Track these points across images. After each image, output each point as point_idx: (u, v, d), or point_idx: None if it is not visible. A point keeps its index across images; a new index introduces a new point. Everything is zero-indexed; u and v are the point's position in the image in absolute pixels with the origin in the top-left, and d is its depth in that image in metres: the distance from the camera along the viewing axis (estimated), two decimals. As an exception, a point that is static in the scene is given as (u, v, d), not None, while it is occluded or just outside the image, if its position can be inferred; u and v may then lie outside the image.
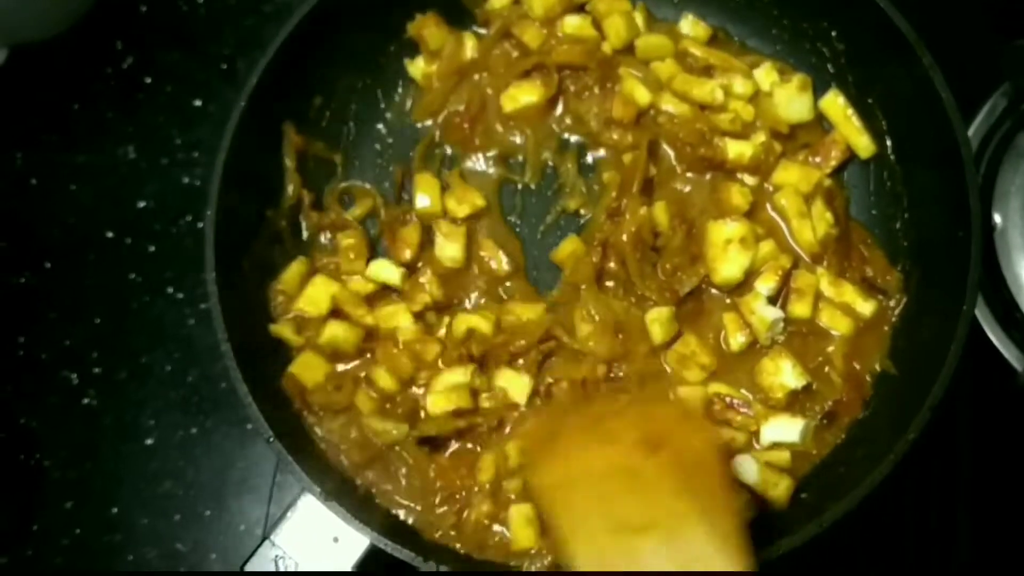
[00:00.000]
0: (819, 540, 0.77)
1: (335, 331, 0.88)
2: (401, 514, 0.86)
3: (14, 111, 1.12)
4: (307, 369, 0.88)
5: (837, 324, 0.89)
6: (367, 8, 0.96)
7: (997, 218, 0.94)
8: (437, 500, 0.86)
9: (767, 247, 0.90)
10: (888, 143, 0.93)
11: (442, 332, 0.91)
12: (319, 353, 0.89)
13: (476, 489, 0.86)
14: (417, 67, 1.00)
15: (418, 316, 0.91)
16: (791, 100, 0.94)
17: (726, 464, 0.69)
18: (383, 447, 0.87)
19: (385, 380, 0.87)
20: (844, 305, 0.89)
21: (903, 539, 0.95)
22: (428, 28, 0.98)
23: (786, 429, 0.85)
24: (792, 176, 0.92)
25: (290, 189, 0.94)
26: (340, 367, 0.90)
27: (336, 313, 0.90)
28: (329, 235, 0.96)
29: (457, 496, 0.86)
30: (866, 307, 0.89)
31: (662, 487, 0.65)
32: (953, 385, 0.79)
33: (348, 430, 0.87)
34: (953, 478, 0.95)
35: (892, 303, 0.90)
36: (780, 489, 0.83)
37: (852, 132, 0.94)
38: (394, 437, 0.86)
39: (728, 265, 0.88)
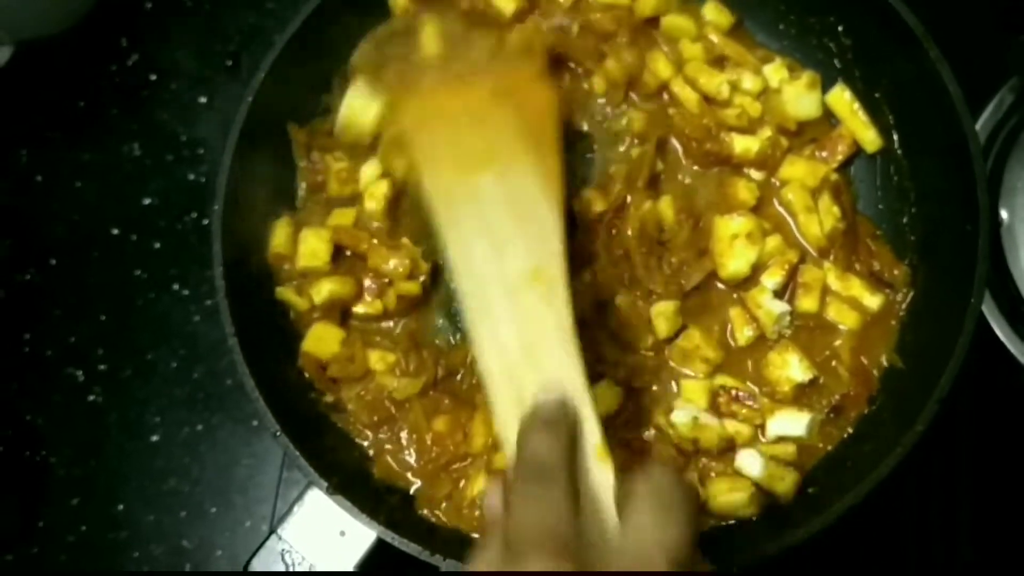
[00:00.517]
0: (821, 536, 0.76)
1: (330, 287, 0.88)
2: (404, 484, 0.87)
3: (18, 108, 1.12)
4: (320, 342, 0.89)
5: (844, 318, 0.89)
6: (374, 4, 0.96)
7: (1004, 214, 0.94)
8: (431, 469, 0.87)
9: (774, 242, 0.90)
10: (895, 137, 0.92)
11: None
12: (328, 319, 0.89)
13: (471, 459, 0.87)
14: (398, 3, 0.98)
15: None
16: (800, 97, 0.93)
17: (561, 119, 0.79)
18: (393, 408, 0.88)
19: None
20: (851, 299, 0.89)
21: (905, 536, 0.94)
22: None
23: (792, 423, 0.85)
24: (799, 171, 0.92)
25: (303, 187, 0.94)
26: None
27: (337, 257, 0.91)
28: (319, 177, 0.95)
29: (454, 466, 0.87)
30: (873, 301, 0.89)
31: (505, 128, 0.76)
32: (959, 380, 0.78)
33: (363, 395, 0.89)
34: (956, 474, 0.95)
35: (899, 297, 0.90)
36: (786, 483, 0.83)
37: (859, 127, 0.93)
38: (408, 391, 0.87)
39: (735, 260, 0.88)
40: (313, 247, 0.90)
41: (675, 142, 0.94)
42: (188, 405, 1.03)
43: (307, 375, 0.89)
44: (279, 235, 0.91)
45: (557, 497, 0.53)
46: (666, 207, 0.91)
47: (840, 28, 0.94)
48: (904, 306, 0.89)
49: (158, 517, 1.00)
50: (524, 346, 0.63)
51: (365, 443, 0.89)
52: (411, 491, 0.87)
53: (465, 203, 0.71)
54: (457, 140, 0.76)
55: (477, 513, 0.85)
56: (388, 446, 0.88)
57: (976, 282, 0.80)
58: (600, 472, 0.57)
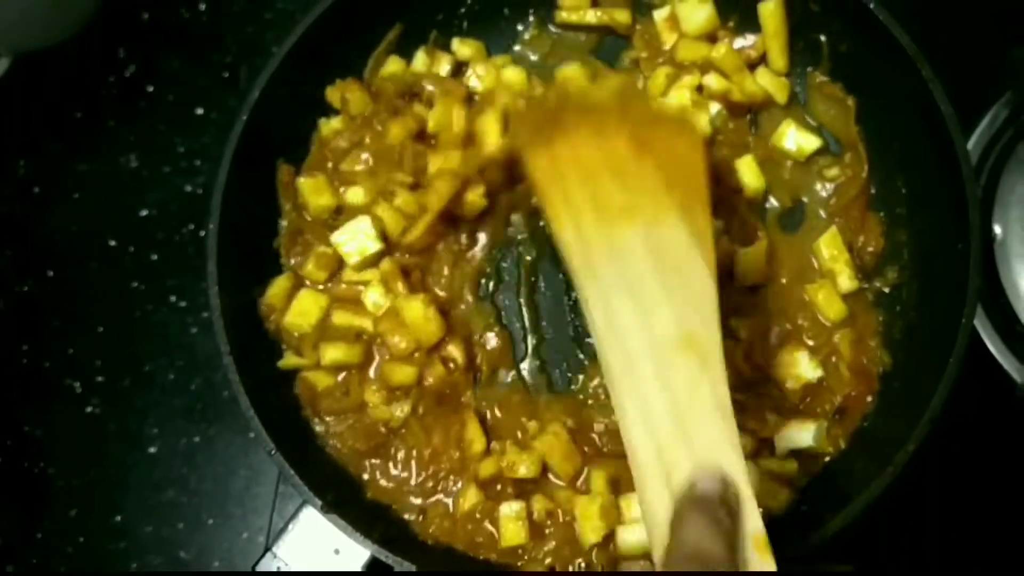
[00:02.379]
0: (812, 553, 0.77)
1: (335, 353, 0.88)
2: (399, 507, 0.87)
3: (17, 119, 1.13)
4: (319, 373, 0.89)
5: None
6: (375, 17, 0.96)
7: (997, 229, 0.94)
8: (431, 485, 0.87)
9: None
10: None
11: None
12: (328, 371, 0.89)
13: (467, 471, 0.87)
14: (330, 127, 0.97)
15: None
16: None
17: (708, 168, 0.71)
18: (387, 433, 0.88)
19: (401, 374, 0.88)
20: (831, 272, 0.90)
21: (898, 552, 0.94)
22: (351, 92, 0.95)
23: (800, 433, 0.84)
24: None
25: (284, 225, 0.94)
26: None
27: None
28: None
29: (450, 479, 0.87)
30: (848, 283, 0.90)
31: (646, 181, 0.69)
32: (952, 397, 0.78)
33: (355, 423, 0.88)
34: (950, 491, 0.95)
35: (877, 284, 0.91)
36: (780, 500, 0.83)
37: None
38: (399, 419, 0.87)
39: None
40: (304, 307, 0.89)
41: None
42: (186, 416, 1.03)
43: (301, 400, 0.90)
44: (277, 288, 0.91)
45: None
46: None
47: (831, 46, 0.94)
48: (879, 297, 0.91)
49: (156, 528, 1.00)
50: (675, 419, 0.58)
51: (363, 474, 0.88)
52: (407, 516, 0.87)
53: (606, 258, 0.66)
54: (595, 191, 0.70)
55: (470, 527, 0.85)
56: (380, 472, 0.88)
57: (969, 299, 0.80)
58: (761, 565, 0.52)
